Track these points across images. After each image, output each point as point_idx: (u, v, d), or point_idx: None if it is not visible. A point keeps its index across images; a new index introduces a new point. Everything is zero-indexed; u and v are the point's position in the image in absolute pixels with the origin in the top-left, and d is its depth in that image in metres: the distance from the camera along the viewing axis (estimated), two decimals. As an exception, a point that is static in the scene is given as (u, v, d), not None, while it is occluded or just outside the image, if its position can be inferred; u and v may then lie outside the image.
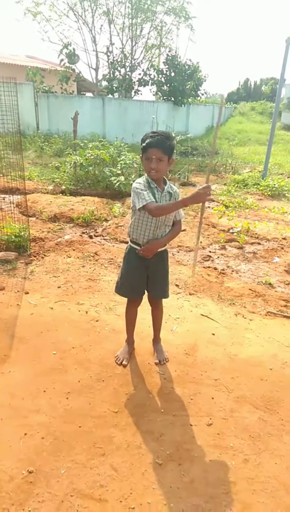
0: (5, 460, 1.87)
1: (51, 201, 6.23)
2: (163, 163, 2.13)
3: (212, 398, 2.36)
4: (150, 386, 2.43)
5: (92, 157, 7.16)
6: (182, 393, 2.39)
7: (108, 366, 2.57)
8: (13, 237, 4.21)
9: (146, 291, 2.54)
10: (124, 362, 2.57)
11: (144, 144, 2.12)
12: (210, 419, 2.20)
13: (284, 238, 5.38)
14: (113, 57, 16.36)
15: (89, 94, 19.68)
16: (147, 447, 2.00)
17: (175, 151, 2.23)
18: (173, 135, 2.10)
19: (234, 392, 2.42)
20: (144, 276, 2.44)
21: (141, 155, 2.21)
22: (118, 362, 2.58)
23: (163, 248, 2.39)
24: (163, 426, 2.13)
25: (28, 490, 1.74)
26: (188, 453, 1.98)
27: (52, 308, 3.22)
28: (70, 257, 4.27)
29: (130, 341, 2.72)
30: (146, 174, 2.24)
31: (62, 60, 15.74)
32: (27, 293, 3.44)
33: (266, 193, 8.15)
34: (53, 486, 1.76)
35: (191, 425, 2.16)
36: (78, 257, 4.27)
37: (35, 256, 4.21)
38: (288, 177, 10.23)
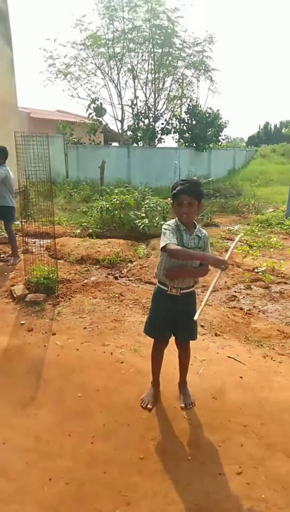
0: (29, 505, 1.84)
1: (78, 244, 6.46)
2: (193, 207, 2.26)
3: (241, 445, 2.26)
4: (176, 432, 2.37)
5: (117, 201, 7.46)
6: (210, 440, 2.31)
7: (133, 409, 2.53)
8: (42, 279, 4.36)
9: (173, 334, 2.55)
10: (149, 406, 2.53)
11: (175, 191, 2.26)
12: (240, 467, 2.10)
13: (311, 277, 5.27)
14: (138, 109, 17.43)
15: (115, 144, 20.80)
16: (174, 496, 1.92)
17: (204, 196, 2.36)
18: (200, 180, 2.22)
19: (264, 439, 2.31)
20: (171, 318, 2.46)
21: (172, 201, 2.34)
22: (143, 406, 2.54)
23: (190, 290, 2.43)
24: (191, 474, 2.05)
25: (52, 540, 1.69)
26: (217, 504, 1.88)
27: (78, 349, 3.25)
28: (95, 298, 4.35)
29: (155, 383, 2.69)
30: (177, 218, 2.34)
31: (90, 113, 16.91)
32: (54, 334, 3.51)
33: (290, 232, 8.11)
34: (77, 536, 1.71)
35: (220, 474, 2.06)
36: (103, 298, 4.34)
37: (62, 298, 4.32)
38: (312, 216, 10.15)
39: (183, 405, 2.57)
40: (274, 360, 3.20)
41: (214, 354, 3.26)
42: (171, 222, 2.36)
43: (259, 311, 4.24)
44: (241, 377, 2.93)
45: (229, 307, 4.27)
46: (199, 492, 1.94)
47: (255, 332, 3.68)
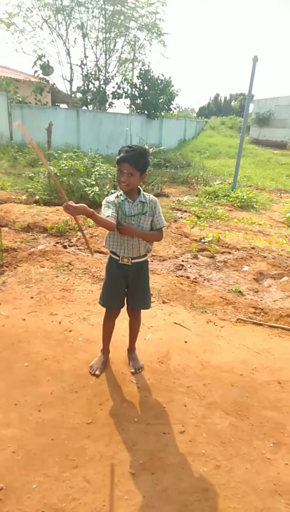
0: (-27, 476, 1.81)
1: (24, 211, 6.16)
2: (134, 177, 2.18)
3: (185, 406, 2.39)
4: (124, 396, 2.43)
5: (66, 167, 7.16)
6: (156, 402, 2.41)
7: (81, 376, 2.55)
8: (-16, 247, 4.13)
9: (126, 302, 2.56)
10: (97, 372, 2.56)
11: (118, 157, 2.17)
12: (183, 426, 2.23)
13: (252, 248, 5.55)
14: (87, 70, 16.50)
15: (63, 106, 19.69)
16: (120, 457, 1.99)
17: (149, 166, 2.29)
18: (147, 148, 2.14)
19: (205, 399, 2.46)
20: (123, 287, 2.46)
21: (116, 166, 2.26)
22: (92, 372, 2.57)
23: (143, 259, 2.42)
24: (137, 435, 2.14)
25: (-2, 507, 1.69)
26: (161, 462, 1.99)
27: (24, 319, 3.17)
28: (43, 267, 4.23)
29: (105, 351, 2.72)
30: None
31: (36, 71, 15.71)
32: (-2, 304, 3.38)
33: (235, 204, 8.39)
34: (24, 502, 1.73)
35: (164, 433, 2.17)
36: (51, 267, 4.24)
37: (7, 267, 4.14)
38: (256, 189, 10.58)
39: (133, 370, 2.64)
40: (216, 325, 3.38)
41: (161, 320, 3.35)
42: (112, 196, 2.31)
43: (204, 280, 4.40)
44: (185, 342, 3.06)
45: (176, 276, 4.38)
46: (145, 452, 2.03)
47: (200, 299, 3.83)
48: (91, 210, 1.97)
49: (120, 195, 2.29)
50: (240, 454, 2.08)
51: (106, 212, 2.18)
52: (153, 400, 2.42)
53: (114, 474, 1.90)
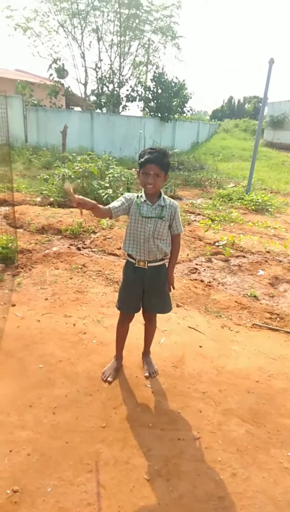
0: (-11, 478, 1.82)
1: (39, 213, 6.21)
2: (159, 178, 2.20)
3: (200, 412, 2.36)
4: (138, 400, 2.41)
5: (80, 170, 7.20)
6: (170, 407, 2.38)
7: (95, 379, 2.54)
8: (0, 248, 4.17)
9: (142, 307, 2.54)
10: (109, 379, 2.54)
11: (142, 160, 2.18)
12: (198, 432, 2.19)
13: (267, 252, 5.48)
14: (102, 73, 16.61)
15: (77, 109, 19.86)
16: (135, 462, 1.97)
17: (170, 167, 2.30)
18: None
19: (221, 405, 2.42)
20: (139, 291, 2.43)
21: (138, 170, 2.26)
22: (104, 379, 2.55)
23: (160, 263, 2.40)
24: (151, 441, 2.11)
25: (13, 511, 1.69)
26: (176, 468, 1.96)
27: (39, 320, 3.18)
28: (57, 269, 4.24)
29: (118, 357, 2.69)
30: (141, 191, 2.30)
31: (51, 74, 15.89)
32: (14, 305, 3.40)
33: (250, 208, 8.31)
34: (39, 505, 1.72)
35: (179, 439, 2.14)
36: (66, 269, 4.25)
37: (22, 268, 4.17)
38: (270, 192, 10.47)
39: (147, 374, 2.62)
40: (231, 330, 3.33)
41: (175, 324, 3.33)
42: (133, 194, 2.33)
43: (219, 283, 4.36)
44: (200, 346, 3.03)
45: (190, 279, 4.35)
46: (159, 458, 2.01)
47: (215, 304, 3.79)
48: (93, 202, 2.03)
49: (141, 196, 2.29)
50: (257, 462, 2.04)
51: (115, 204, 2.27)
52: (168, 405, 2.39)
53: (129, 479, 1.88)
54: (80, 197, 1.99)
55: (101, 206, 2.15)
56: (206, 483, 1.90)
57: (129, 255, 2.40)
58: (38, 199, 7.30)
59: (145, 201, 2.27)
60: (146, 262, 2.34)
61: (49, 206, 6.90)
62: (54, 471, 1.89)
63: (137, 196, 2.30)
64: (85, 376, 2.56)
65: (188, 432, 2.19)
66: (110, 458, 1.98)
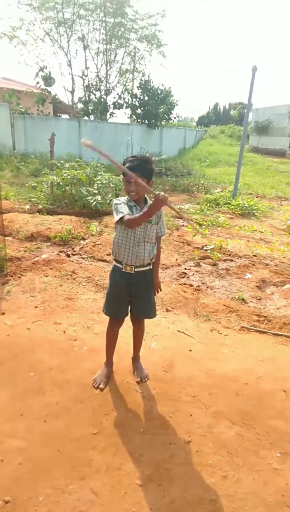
0: (-20, 488, 1.80)
1: (28, 220, 6.20)
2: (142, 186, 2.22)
3: (191, 415, 2.38)
4: (129, 406, 2.43)
5: (69, 177, 7.21)
6: (161, 411, 2.40)
7: (86, 386, 2.55)
8: (-13, 257, 4.15)
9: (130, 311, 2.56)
10: (100, 386, 2.55)
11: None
12: (189, 436, 2.22)
13: (254, 255, 5.56)
14: (89, 81, 16.70)
15: (65, 116, 19.88)
16: (127, 468, 1.98)
17: (154, 173, 2.34)
18: (150, 156, 2.13)
19: (211, 408, 2.45)
20: (126, 296, 2.47)
21: (122, 177, 2.30)
22: (95, 386, 2.55)
23: (146, 268, 2.43)
24: (143, 446, 2.13)
25: (5, 519, 1.68)
26: (168, 473, 1.98)
27: (29, 328, 3.17)
28: (47, 276, 4.24)
29: (109, 363, 2.70)
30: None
31: (38, 82, 15.90)
32: (3, 313, 3.38)
33: (236, 212, 8.42)
34: (31, 514, 1.72)
35: (171, 443, 2.16)
36: (55, 276, 4.25)
37: (11, 276, 4.16)
38: (256, 197, 10.62)
39: (138, 379, 2.64)
40: (220, 333, 3.37)
41: (165, 329, 3.35)
42: (122, 198, 2.36)
43: (207, 287, 4.40)
44: (190, 350, 3.06)
45: (179, 284, 4.38)
46: (151, 463, 2.02)
47: (203, 307, 3.83)
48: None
49: (129, 201, 2.32)
50: (247, 464, 2.06)
51: (125, 210, 2.22)
52: (159, 410, 2.41)
53: (121, 485, 1.89)
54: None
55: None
56: (198, 487, 1.92)
57: (116, 260, 2.43)
58: (27, 206, 7.28)
59: (134, 205, 2.31)
60: (133, 267, 2.37)
61: (38, 213, 6.89)
62: (46, 479, 1.88)
63: (128, 200, 2.33)
64: (76, 383, 2.56)
65: (179, 436, 2.21)
66: (102, 464, 1.99)
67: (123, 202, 2.30)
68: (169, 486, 1.91)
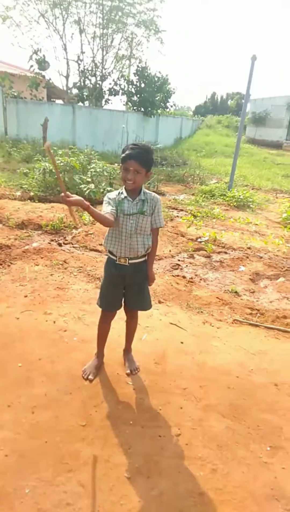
0: None
1: (18, 208, 6.09)
2: (140, 175, 2.16)
3: (181, 408, 2.36)
4: (119, 397, 2.40)
5: (62, 164, 7.08)
6: (152, 404, 2.37)
7: (76, 377, 2.51)
8: (-23, 244, 4.06)
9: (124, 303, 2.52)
10: (90, 377, 2.51)
11: (123, 155, 2.14)
12: (179, 429, 2.20)
13: (249, 248, 5.54)
14: (84, 66, 16.36)
15: (59, 101, 19.52)
16: (115, 460, 1.96)
17: (153, 164, 2.27)
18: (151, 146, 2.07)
19: (202, 401, 2.43)
20: (121, 288, 2.42)
21: (120, 164, 2.23)
22: (85, 377, 2.51)
23: (140, 260, 2.38)
24: (132, 438, 2.10)
25: (-10, 512, 1.65)
26: (157, 465, 1.96)
27: (18, 318, 3.11)
28: (38, 265, 4.17)
29: (99, 354, 2.66)
30: (122, 186, 2.26)
31: (31, 66, 15.52)
32: (-8, 302, 3.32)
33: (231, 204, 8.38)
34: (17, 508, 1.68)
35: (160, 436, 2.14)
36: (46, 265, 4.18)
37: (1, 264, 4.08)
38: (252, 189, 10.58)
39: (128, 371, 2.60)
40: (212, 326, 3.35)
41: (157, 321, 3.32)
42: (112, 193, 2.29)
43: (201, 279, 4.37)
44: (181, 343, 3.03)
45: (172, 275, 4.35)
46: (140, 455, 2.00)
47: (196, 300, 3.81)
48: (87, 203, 1.97)
49: (121, 192, 2.25)
50: (236, 457, 2.05)
51: (106, 209, 2.17)
52: (149, 402, 2.39)
53: (109, 478, 1.86)
54: (68, 193, 1.92)
55: (96, 210, 2.05)
56: (187, 480, 1.90)
57: (110, 252, 2.37)
58: (18, 193, 7.15)
59: (125, 197, 2.24)
60: (127, 259, 2.31)
61: (29, 200, 6.78)
62: (33, 471, 1.85)
63: (118, 193, 2.26)
64: (65, 375, 2.52)
65: (169, 429, 2.19)
66: (90, 457, 1.96)
67: (109, 199, 2.24)
68: (158, 479, 1.89)
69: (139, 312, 2.67)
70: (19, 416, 2.16)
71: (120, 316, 2.66)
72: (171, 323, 3.30)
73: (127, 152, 2.13)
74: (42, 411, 2.21)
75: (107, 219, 2.11)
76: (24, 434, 2.05)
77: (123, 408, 2.32)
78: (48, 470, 1.86)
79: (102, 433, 2.11)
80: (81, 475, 1.86)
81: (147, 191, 2.32)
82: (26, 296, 3.48)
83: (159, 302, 3.67)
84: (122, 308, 2.56)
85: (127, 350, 2.74)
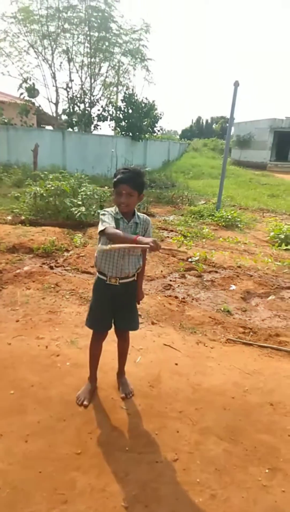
0: None
1: (9, 232, 6.08)
2: (133, 198, 2.20)
3: (177, 432, 2.32)
4: (114, 423, 2.35)
5: (52, 187, 7.15)
6: (147, 428, 2.33)
7: (69, 403, 2.46)
8: None
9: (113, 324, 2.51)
10: (85, 402, 2.46)
11: (115, 179, 2.19)
12: (176, 454, 2.15)
13: (239, 266, 5.59)
14: (73, 93, 16.79)
15: (49, 127, 19.88)
16: (112, 489, 1.90)
17: (145, 186, 2.31)
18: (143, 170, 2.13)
19: (198, 424, 2.40)
20: (110, 308, 2.42)
21: (112, 188, 2.26)
22: (79, 403, 2.47)
23: (130, 279, 2.39)
24: (128, 465, 2.05)
25: None
26: (155, 493, 1.91)
27: (9, 343, 3.07)
28: (29, 289, 4.14)
29: (92, 378, 2.62)
30: (115, 206, 2.29)
31: (21, 93, 15.89)
32: (-18, 328, 3.26)
33: (220, 224, 8.50)
34: None
35: (157, 462, 2.09)
36: (38, 289, 4.15)
37: (-9, 289, 4.04)
38: (239, 209, 10.77)
39: (123, 395, 2.56)
40: (206, 346, 3.34)
41: (151, 342, 3.30)
42: (110, 209, 2.31)
43: (193, 299, 4.38)
44: (176, 364, 3.01)
45: (165, 296, 4.35)
46: (137, 482, 1.95)
47: (189, 320, 3.80)
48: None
49: (117, 213, 2.28)
50: (235, 481, 2.01)
51: (108, 221, 2.16)
52: (145, 427, 2.34)
53: (106, 508, 1.80)
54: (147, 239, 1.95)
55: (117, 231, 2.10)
56: (186, 507, 1.85)
57: (100, 272, 2.38)
58: (9, 217, 7.16)
59: (121, 218, 2.27)
60: (118, 279, 2.32)
61: (20, 224, 6.78)
62: (26, 504, 1.78)
63: (116, 212, 2.28)
64: (59, 401, 2.47)
65: (166, 454, 2.15)
66: (86, 486, 1.91)
67: (109, 213, 2.25)
68: (156, 507, 1.84)
69: (133, 334, 2.66)
70: (11, 446, 2.10)
71: (113, 338, 2.64)
72: (165, 344, 3.28)
73: (118, 176, 2.18)
74: (35, 439, 2.15)
75: (128, 237, 2.07)
76: (16, 464, 1.99)
77: (118, 434, 2.27)
78: (42, 503, 1.80)
79: (97, 460, 2.06)
80: (77, 506, 1.80)
81: (140, 214, 2.36)
82: (17, 321, 3.44)
83: (152, 323, 3.65)
84: (113, 331, 2.55)
85: (121, 373, 2.71)
